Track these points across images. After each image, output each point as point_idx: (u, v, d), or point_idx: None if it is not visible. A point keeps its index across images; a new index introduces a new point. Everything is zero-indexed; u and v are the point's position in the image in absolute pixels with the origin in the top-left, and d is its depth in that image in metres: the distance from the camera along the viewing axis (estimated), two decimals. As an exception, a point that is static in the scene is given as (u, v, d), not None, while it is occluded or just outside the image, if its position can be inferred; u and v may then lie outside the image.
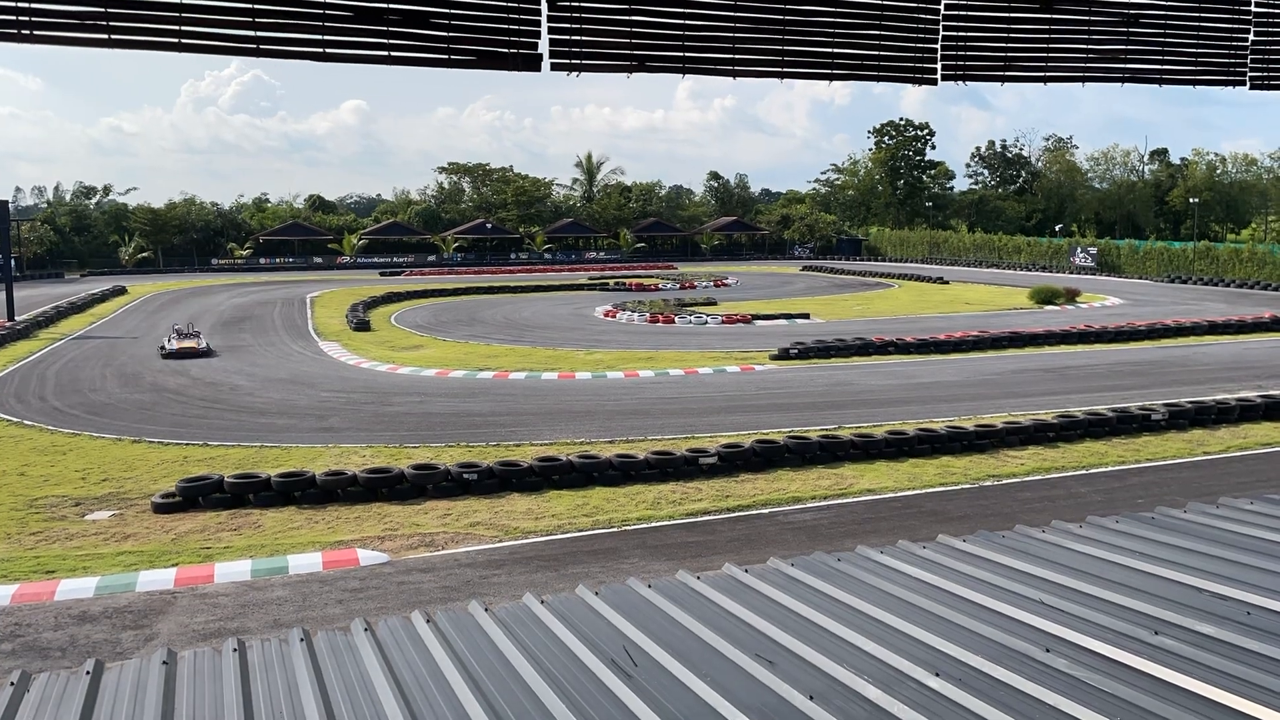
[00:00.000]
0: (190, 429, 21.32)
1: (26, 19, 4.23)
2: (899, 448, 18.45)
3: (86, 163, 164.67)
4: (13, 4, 4.16)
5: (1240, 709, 4.07)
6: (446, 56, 4.99)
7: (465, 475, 16.23)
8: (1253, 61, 5.79)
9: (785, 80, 5.48)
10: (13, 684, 4.62)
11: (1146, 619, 5.08)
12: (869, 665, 4.66)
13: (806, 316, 42.59)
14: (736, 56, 5.36)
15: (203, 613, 11.56)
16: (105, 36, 4.37)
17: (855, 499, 16.00)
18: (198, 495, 15.58)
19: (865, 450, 18.27)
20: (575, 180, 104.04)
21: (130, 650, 10.37)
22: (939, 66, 5.58)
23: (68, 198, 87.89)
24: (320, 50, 4.71)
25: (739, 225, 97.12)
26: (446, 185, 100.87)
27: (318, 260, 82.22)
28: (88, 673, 4.82)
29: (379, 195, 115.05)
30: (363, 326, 39.97)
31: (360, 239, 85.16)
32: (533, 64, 5.06)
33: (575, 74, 5.19)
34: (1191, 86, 5.76)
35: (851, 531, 14.04)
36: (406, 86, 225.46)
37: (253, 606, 11.74)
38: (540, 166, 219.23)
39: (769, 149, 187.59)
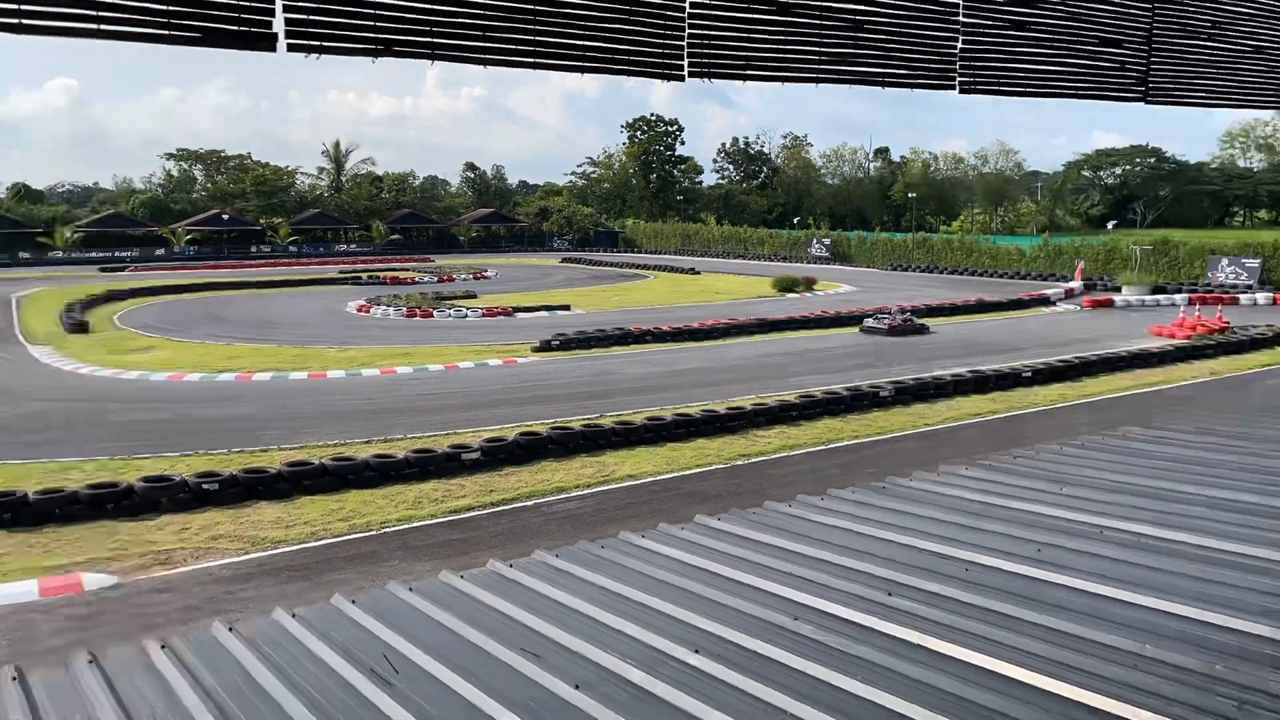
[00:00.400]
0: None
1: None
2: (658, 433, 19.02)
3: None
4: None
5: (963, 658, 4.49)
6: (167, 33, 4.58)
7: (205, 486, 15.08)
8: (961, 68, 6.38)
9: (538, 71, 5.45)
10: None
11: (882, 582, 5.50)
12: (633, 649, 4.75)
13: (567, 308, 43.00)
14: (487, 44, 5.27)
15: (-113, 661, 10.04)
16: None
17: (618, 485, 16.33)
18: (-123, 526, 13.52)
19: (626, 437, 18.69)
20: (322, 169, 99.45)
21: None
22: (685, 63, 5.75)
23: None
24: (15, 21, 4.17)
25: (497, 217, 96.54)
26: (176, 173, 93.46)
27: (25, 255, 73.76)
28: None
29: (96, 183, 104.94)
30: (80, 328, 36.24)
31: (75, 231, 77.17)
32: (267, 43, 4.73)
33: (315, 56, 4.91)
34: (909, 89, 6.27)
35: (614, 518, 14.32)
36: (126, 65, 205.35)
37: (-48, 648, 10.33)
38: (282, 154, 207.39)
39: (523, 140, 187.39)
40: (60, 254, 74.36)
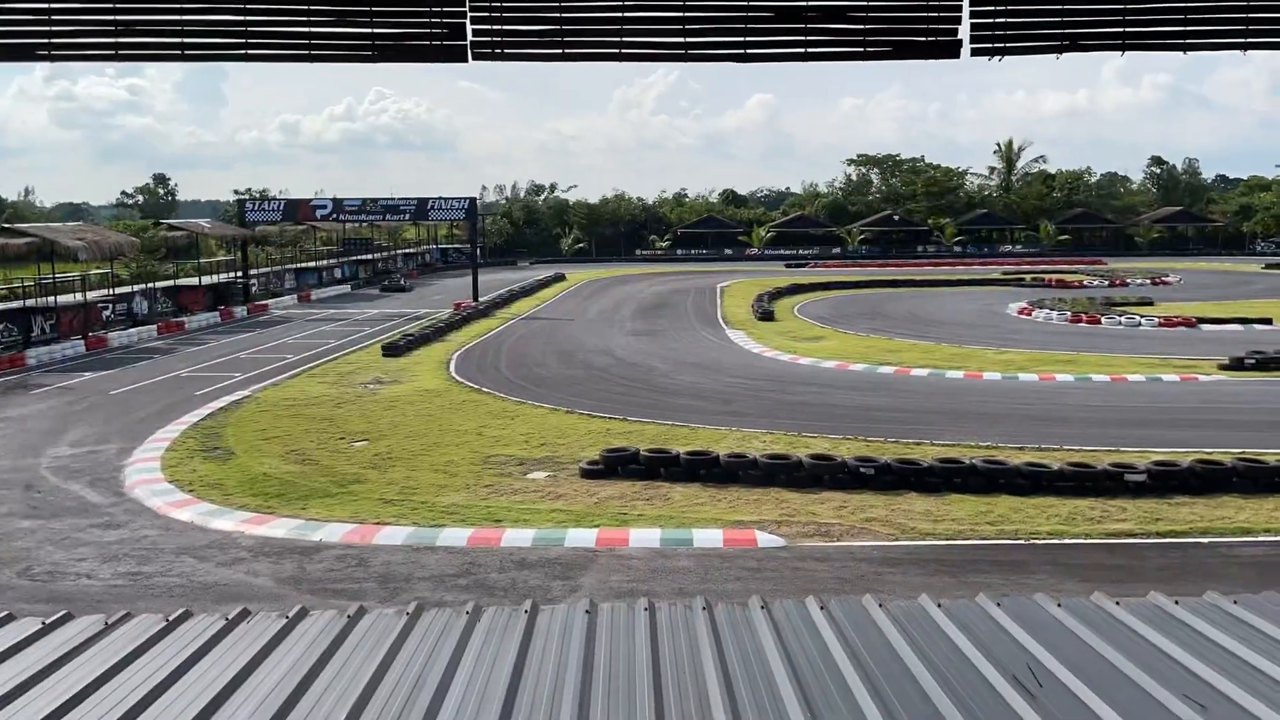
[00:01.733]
0: (612, 404, 23.41)
1: (46, 40, 4.64)
2: (1390, 483, 15.32)
3: (537, 163, 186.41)
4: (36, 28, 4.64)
5: None
6: (862, 50, 5.02)
7: (862, 469, 16.17)
8: None
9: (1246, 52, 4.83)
10: (468, 613, 5.42)
11: None
12: (1331, 730, 3.99)
13: (1269, 322, 36.68)
14: (1189, 29, 4.81)
15: (618, 572, 12.71)
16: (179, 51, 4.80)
17: (1323, 538, 13.58)
18: (617, 465, 17.09)
19: (1341, 482, 15.41)
20: (992, 169, 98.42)
21: (559, 597, 11.70)
22: None
23: (522, 194, 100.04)
24: (741, 52, 4.97)
25: (1185, 216, 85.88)
26: (854, 177, 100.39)
27: (728, 251, 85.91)
28: (525, 611, 5.53)
29: (787, 188, 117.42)
30: (767, 316, 41.17)
31: (768, 231, 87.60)
32: (951, 51, 4.93)
33: (998, 59, 4.98)
34: None
35: (1316, 575, 11.95)
36: (814, 81, 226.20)
37: (661, 572, 12.69)
38: (950, 155, 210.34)
39: (1217, 130, 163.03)
40: (755, 251, 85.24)
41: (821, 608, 5.76)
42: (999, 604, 5.69)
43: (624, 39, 4.93)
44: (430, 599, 11.33)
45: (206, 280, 45.93)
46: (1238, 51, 4.84)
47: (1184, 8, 4.77)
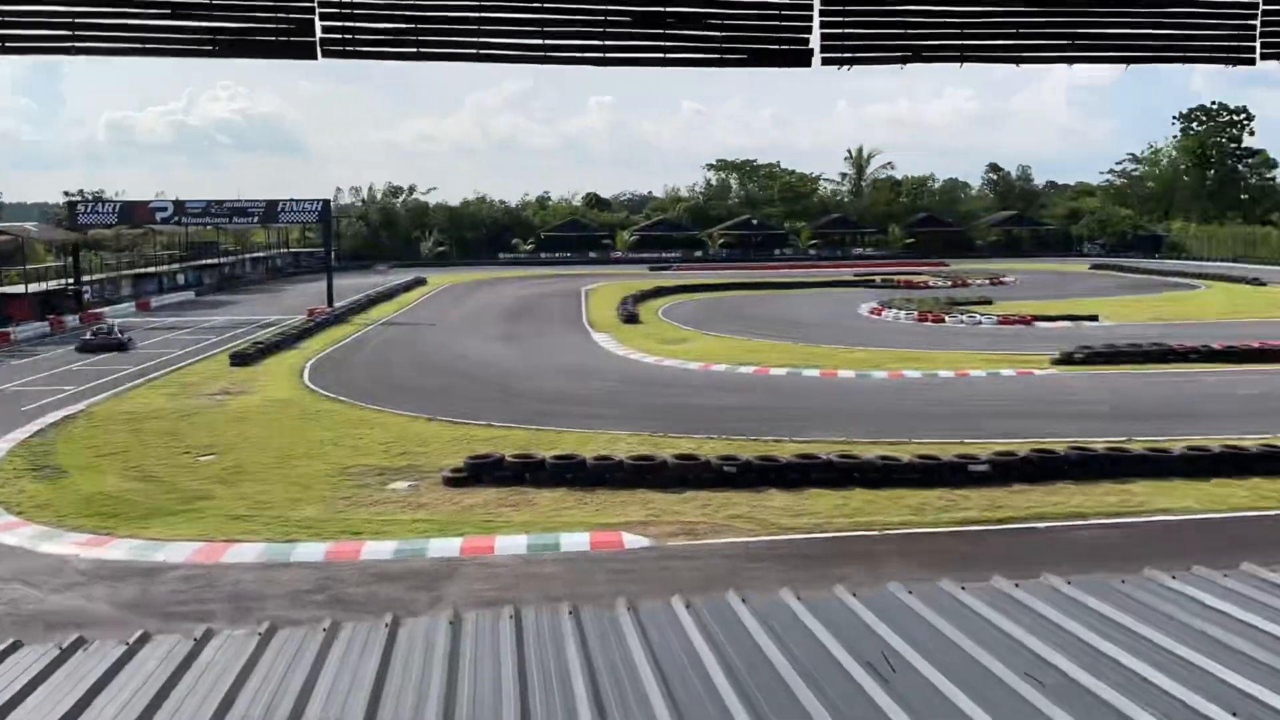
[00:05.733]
0: (476, 410, 23.07)
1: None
2: (1199, 465, 16.66)
3: (389, 165, 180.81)
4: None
5: None
6: (719, 56, 5.12)
7: (725, 468, 16.48)
8: None
9: (1071, 65, 5.15)
10: (324, 630, 5.23)
11: None
12: (1154, 697, 4.30)
13: (1095, 319, 39.41)
14: (1020, 43, 5.09)
15: (484, 581, 12.53)
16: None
17: (1145, 519, 14.67)
18: (482, 472, 16.86)
19: (1158, 466, 16.66)
20: (844, 175, 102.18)
21: (421, 609, 11.43)
22: (1258, 44, 5.02)
23: (379, 197, 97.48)
24: (600, 55, 4.98)
25: (1020, 220, 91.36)
26: (714, 182, 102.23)
27: (592, 255, 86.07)
28: (386, 625, 5.38)
29: (650, 192, 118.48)
30: (632, 319, 41.46)
31: (631, 235, 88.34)
32: (803, 60, 5.07)
33: (847, 68, 5.15)
34: None
35: (1137, 554, 12.82)
36: (650, 84, 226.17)
37: (527, 578, 12.58)
38: (795, 160, 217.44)
39: (1038, 138, 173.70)
40: (619, 254, 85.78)
41: (687, 606, 5.82)
42: (855, 594, 5.89)
43: (482, 39, 4.86)
44: (283, 618, 10.88)
45: (34, 288, 42.79)
46: (1065, 65, 5.15)
47: (1016, 23, 5.05)
